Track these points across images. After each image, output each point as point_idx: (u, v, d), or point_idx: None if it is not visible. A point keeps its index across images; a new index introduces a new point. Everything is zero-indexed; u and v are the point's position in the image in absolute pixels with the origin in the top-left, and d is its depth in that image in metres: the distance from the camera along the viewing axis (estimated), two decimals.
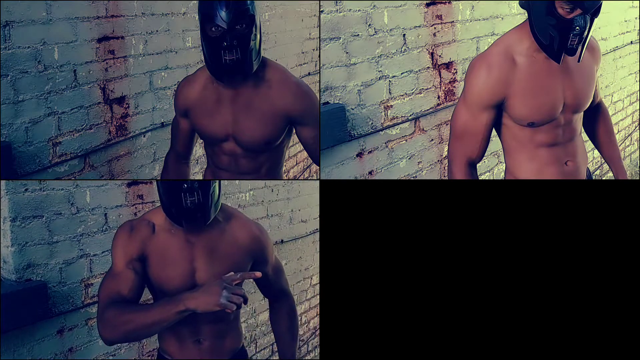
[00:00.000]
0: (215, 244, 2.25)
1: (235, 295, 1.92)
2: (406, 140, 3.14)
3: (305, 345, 4.42)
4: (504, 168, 2.51)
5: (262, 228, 2.40)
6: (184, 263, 2.22)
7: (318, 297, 4.50)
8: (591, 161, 4.50)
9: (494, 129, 2.37)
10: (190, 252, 2.23)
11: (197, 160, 3.64)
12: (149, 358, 3.30)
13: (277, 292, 2.52)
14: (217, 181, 2.22)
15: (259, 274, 2.05)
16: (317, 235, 4.47)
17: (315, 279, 4.62)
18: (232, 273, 1.99)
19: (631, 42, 5.04)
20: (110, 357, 3.06)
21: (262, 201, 4.08)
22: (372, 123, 2.95)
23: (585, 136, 2.54)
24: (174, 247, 2.23)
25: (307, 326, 4.35)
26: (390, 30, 2.95)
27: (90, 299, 2.90)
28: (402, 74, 3.03)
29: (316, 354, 4.47)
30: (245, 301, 1.95)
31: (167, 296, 2.12)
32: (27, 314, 2.58)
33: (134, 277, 2.14)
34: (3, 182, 2.53)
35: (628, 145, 5.41)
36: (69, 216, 2.78)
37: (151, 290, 2.29)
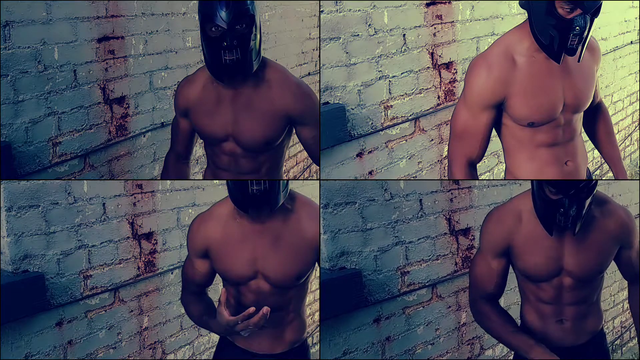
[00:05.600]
0: (280, 233, 2.25)
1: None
2: (406, 140, 3.13)
3: (311, 338, 4.42)
4: (504, 168, 2.51)
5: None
6: (245, 252, 2.25)
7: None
8: (591, 161, 4.50)
9: (494, 129, 2.37)
10: (253, 241, 2.25)
11: (197, 160, 3.64)
12: (150, 351, 3.30)
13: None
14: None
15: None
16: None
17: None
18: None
19: (631, 42, 5.04)
20: (111, 350, 3.05)
21: None
22: (372, 123, 2.95)
23: (585, 136, 2.54)
24: (237, 236, 2.26)
25: (312, 319, 4.36)
26: (390, 30, 2.95)
27: (89, 290, 2.89)
28: (402, 74, 3.03)
29: (316, 349, 4.46)
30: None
31: (230, 284, 2.33)
32: (24, 306, 2.57)
33: (200, 268, 2.36)
34: None
35: (628, 145, 5.41)
36: (66, 206, 2.76)
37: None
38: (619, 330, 4.54)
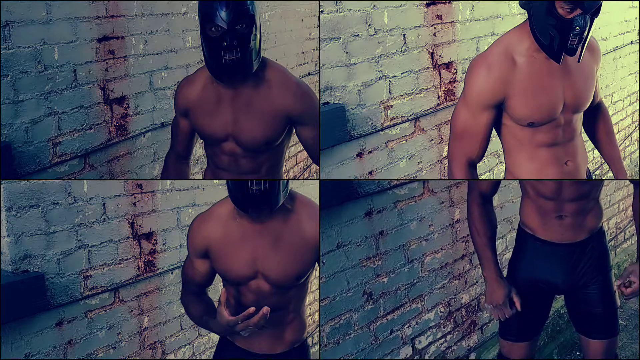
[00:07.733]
0: (280, 233, 2.25)
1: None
2: (406, 140, 3.13)
3: (311, 338, 4.42)
4: (504, 168, 2.51)
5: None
6: (245, 252, 2.25)
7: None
8: (591, 161, 4.49)
9: (494, 129, 2.37)
10: (253, 241, 2.25)
11: (197, 160, 3.64)
12: (150, 351, 3.30)
13: None
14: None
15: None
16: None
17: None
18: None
19: (631, 42, 5.04)
20: (111, 350, 3.05)
21: None
22: (372, 123, 2.95)
23: (585, 136, 2.54)
24: (237, 236, 2.26)
25: (312, 319, 4.36)
26: (390, 30, 2.95)
27: (89, 290, 2.88)
28: (402, 74, 3.03)
29: (316, 349, 4.47)
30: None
31: (230, 284, 2.33)
32: (24, 306, 2.57)
33: (200, 268, 2.36)
34: None
35: (628, 145, 5.41)
36: (66, 206, 2.75)
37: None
38: (613, 231, 4.56)
